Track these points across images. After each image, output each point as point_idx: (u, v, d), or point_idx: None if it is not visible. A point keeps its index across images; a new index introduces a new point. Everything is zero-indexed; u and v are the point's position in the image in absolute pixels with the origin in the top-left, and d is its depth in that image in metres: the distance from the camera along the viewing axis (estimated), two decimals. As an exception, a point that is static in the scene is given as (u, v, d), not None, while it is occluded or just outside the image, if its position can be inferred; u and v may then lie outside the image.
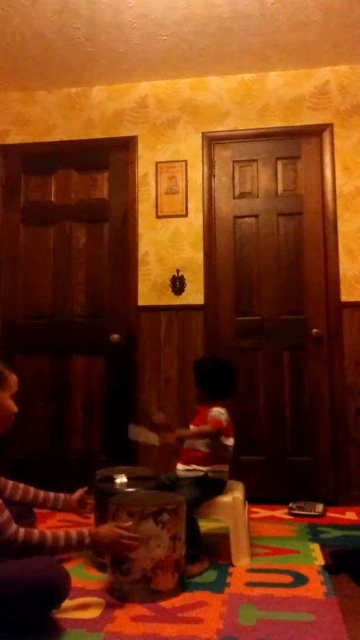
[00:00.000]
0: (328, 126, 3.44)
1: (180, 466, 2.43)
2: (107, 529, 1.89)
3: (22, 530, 1.73)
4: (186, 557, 2.09)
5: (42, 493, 2.20)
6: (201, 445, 2.38)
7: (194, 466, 2.38)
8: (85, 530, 1.86)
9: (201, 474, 2.36)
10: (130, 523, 1.94)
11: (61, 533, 1.81)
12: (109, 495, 2.18)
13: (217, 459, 2.39)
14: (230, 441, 2.43)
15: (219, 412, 2.37)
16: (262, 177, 3.50)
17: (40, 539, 1.75)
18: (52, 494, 2.21)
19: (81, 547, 1.86)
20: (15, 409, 1.96)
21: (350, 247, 3.36)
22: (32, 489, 2.19)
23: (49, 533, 1.79)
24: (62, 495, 2.23)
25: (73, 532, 1.83)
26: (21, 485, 2.18)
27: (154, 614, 1.85)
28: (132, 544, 1.90)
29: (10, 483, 2.15)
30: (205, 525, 2.39)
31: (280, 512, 3.05)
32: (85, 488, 2.30)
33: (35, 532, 1.77)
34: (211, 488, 2.36)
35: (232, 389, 2.52)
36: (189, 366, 2.93)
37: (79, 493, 2.27)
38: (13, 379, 1.97)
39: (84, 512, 2.28)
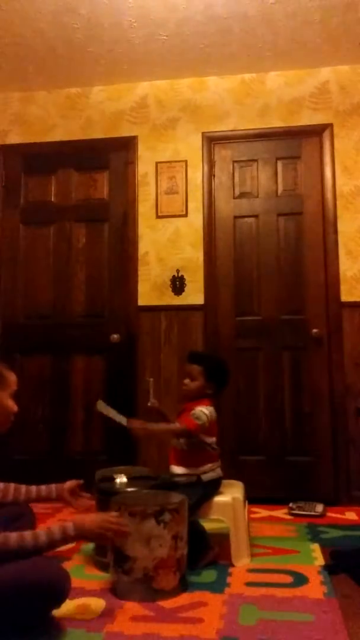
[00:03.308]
0: (328, 126, 3.44)
1: (173, 468, 2.42)
2: (92, 516, 1.84)
3: None
4: (197, 551, 2.15)
5: (33, 489, 2.12)
6: (183, 444, 2.38)
7: (186, 469, 2.37)
8: (69, 521, 1.79)
9: (194, 478, 2.34)
10: (115, 513, 1.92)
11: (42, 530, 1.76)
12: (111, 495, 2.18)
13: (206, 459, 2.39)
14: (211, 440, 2.41)
15: (201, 412, 2.35)
16: (262, 177, 3.50)
17: (19, 541, 1.68)
18: (43, 487, 2.13)
19: (66, 539, 1.77)
20: (14, 408, 1.95)
21: (350, 247, 3.36)
22: (23, 488, 2.12)
23: (28, 533, 1.73)
24: (52, 485, 2.15)
25: (55, 526, 1.77)
26: (12, 486, 2.11)
27: (154, 614, 1.85)
28: (121, 528, 1.86)
29: (1, 485, 2.11)
30: (205, 525, 2.39)
31: (280, 512, 3.05)
32: (81, 481, 2.25)
33: (13, 535, 1.70)
34: (207, 488, 2.35)
35: (225, 387, 2.57)
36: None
37: (70, 483, 2.18)
38: (12, 378, 1.96)
39: (75, 504, 2.20)
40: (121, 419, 2.38)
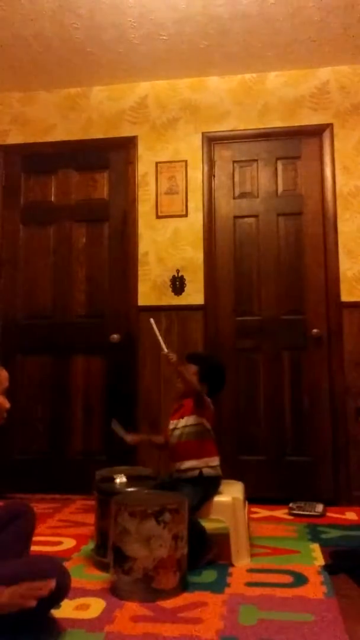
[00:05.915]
0: (328, 126, 3.44)
1: (174, 466, 2.43)
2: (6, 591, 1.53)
3: None
4: (197, 550, 2.17)
5: None
6: (188, 435, 2.41)
7: (186, 463, 2.38)
8: None
9: (196, 473, 2.36)
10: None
11: None
12: (111, 495, 2.18)
13: (207, 451, 2.40)
14: (210, 427, 2.46)
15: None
16: (262, 177, 3.50)
17: None
18: None
19: None
20: (7, 404, 1.92)
21: (350, 247, 3.36)
22: None
23: None
24: None
25: None
26: None
27: (154, 614, 1.85)
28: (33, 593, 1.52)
29: None
30: (205, 525, 2.38)
31: (280, 512, 3.05)
32: None
33: None
34: (208, 488, 2.36)
35: (221, 390, 2.60)
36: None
37: None
38: (3, 374, 1.94)
39: None
40: (125, 435, 2.60)
